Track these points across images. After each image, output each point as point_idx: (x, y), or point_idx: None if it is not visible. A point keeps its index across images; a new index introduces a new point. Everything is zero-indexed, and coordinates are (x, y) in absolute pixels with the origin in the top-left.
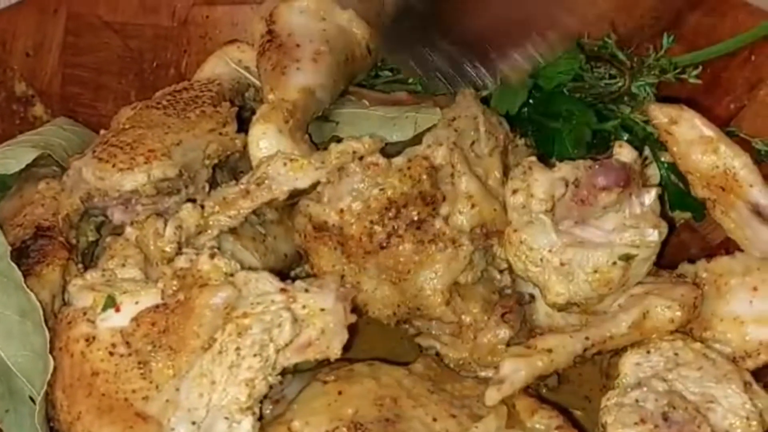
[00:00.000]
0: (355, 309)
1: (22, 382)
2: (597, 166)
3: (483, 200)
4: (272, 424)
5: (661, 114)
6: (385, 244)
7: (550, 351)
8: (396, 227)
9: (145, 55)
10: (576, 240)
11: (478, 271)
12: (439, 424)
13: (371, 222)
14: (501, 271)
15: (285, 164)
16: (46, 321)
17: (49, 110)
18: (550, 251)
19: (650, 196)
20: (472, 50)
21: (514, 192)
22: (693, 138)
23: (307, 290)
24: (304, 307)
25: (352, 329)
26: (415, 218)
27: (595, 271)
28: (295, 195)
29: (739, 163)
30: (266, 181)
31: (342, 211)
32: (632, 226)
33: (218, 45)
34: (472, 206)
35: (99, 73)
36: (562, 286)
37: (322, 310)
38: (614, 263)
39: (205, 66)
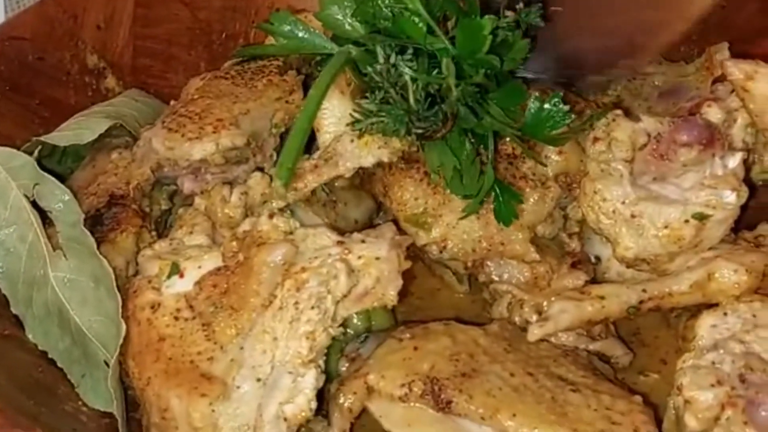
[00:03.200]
0: (410, 256)
1: (96, 346)
2: (681, 122)
3: (571, 150)
4: (348, 379)
5: (736, 69)
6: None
7: (602, 297)
8: (489, 158)
9: (214, 26)
10: (651, 195)
11: (555, 228)
12: (517, 379)
13: None
14: (570, 236)
15: (352, 141)
16: (119, 287)
17: (121, 82)
18: (623, 203)
19: (734, 160)
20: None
21: (595, 141)
22: None
23: (363, 241)
24: (359, 257)
25: (407, 275)
26: (509, 152)
27: (666, 227)
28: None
29: None
30: (334, 157)
31: None
32: (710, 186)
33: None
34: (560, 152)
35: (169, 45)
36: (632, 239)
37: (377, 258)
38: (687, 221)
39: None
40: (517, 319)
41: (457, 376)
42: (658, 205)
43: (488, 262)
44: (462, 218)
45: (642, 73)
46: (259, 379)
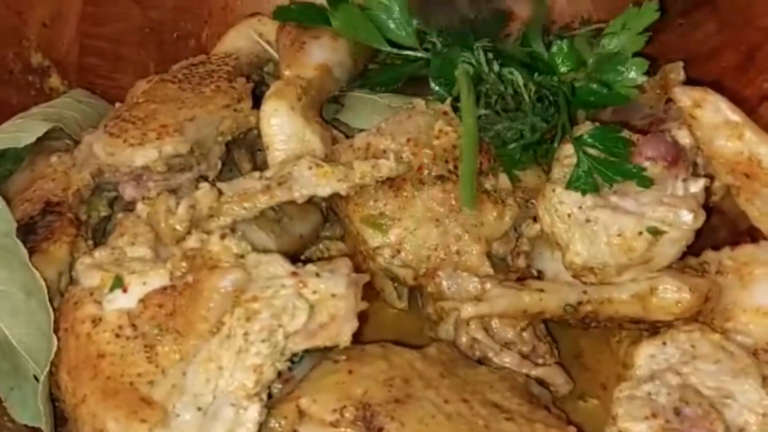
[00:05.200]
0: (365, 296)
1: (26, 360)
2: (649, 136)
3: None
4: (280, 401)
5: (684, 97)
6: (443, 178)
7: (542, 290)
8: (457, 166)
9: (166, 26)
10: (609, 203)
11: (508, 248)
12: (451, 406)
13: (434, 155)
14: (518, 254)
15: (310, 168)
16: (51, 299)
17: (66, 81)
18: (579, 207)
19: (697, 185)
20: None
21: (566, 142)
22: (717, 122)
23: (318, 274)
24: (314, 292)
25: (362, 316)
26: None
27: (619, 235)
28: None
29: (765, 150)
30: (289, 182)
31: (408, 140)
32: (669, 204)
33: (240, 17)
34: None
35: (118, 44)
36: (583, 246)
37: (333, 295)
38: (640, 233)
39: (225, 39)
40: (464, 337)
41: (390, 402)
42: (615, 214)
43: (440, 272)
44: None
45: None
46: (199, 408)
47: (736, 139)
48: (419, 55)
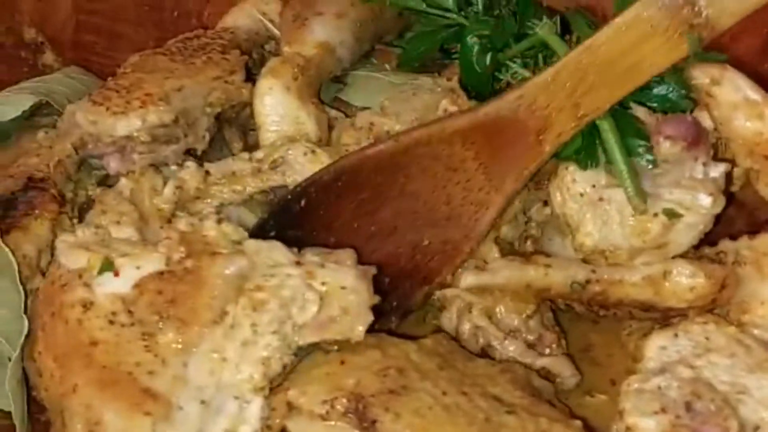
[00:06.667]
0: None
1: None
2: (670, 115)
3: None
4: (268, 395)
5: (702, 74)
6: None
7: (548, 266)
8: None
9: (166, 4)
10: None
11: (518, 231)
12: (449, 398)
13: None
14: (526, 239)
15: (305, 154)
16: (31, 277)
17: (61, 58)
18: (593, 186)
19: (717, 169)
20: None
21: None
22: (736, 101)
23: (323, 265)
24: (323, 283)
25: (375, 311)
26: None
27: (633, 216)
28: None
29: None
30: (282, 166)
31: (414, 120)
32: (687, 187)
33: None
34: None
35: (115, 21)
36: (595, 227)
37: (343, 288)
38: (656, 214)
39: (227, 17)
40: (467, 325)
41: (384, 393)
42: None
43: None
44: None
45: None
46: (203, 401)
47: (756, 119)
48: (458, 20)
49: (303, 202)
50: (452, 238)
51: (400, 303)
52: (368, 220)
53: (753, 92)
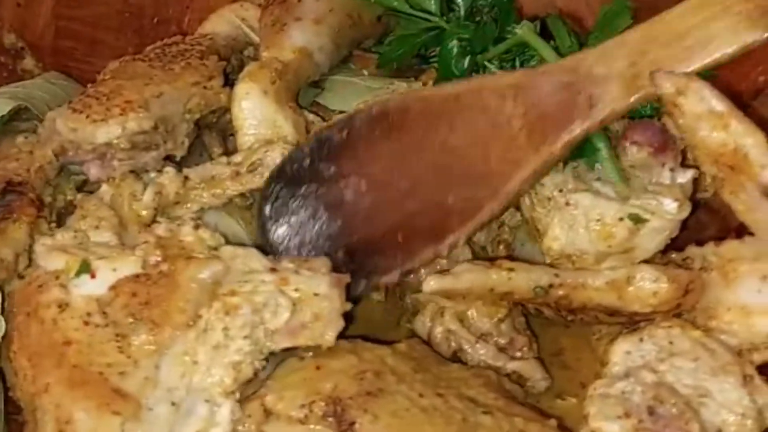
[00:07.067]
0: (350, 297)
1: None
2: (637, 121)
3: None
4: (243, 401)
5: (667, 83)
6: None
7: (511, 270)
8: None
9: (146, 11)
10: (591, 188)
11: (489, 236)
12: (426, 400)
13: None
14: (498, 243)
15: (283, 155)
16: (8, 281)
17: (41, 64)
18: (560, 191)
19: (685, 175)
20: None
21: None
22: (701, 112)
23: (297, 272)
24: (296, 290)
25: (346, 318)
26: None
27: (599, 220)
28: None
29: (752, 142)
30: (259, 169)
31: None
32: (653, 192)
33: (222, 3)
34: None
35: (95, 28)
36: (562, 230)
37: (316, 294)
38: (621, 219)
39: (206, 24)
40: (439, 329)
41: (362, 395)
42: (596, 199)
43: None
44: None
45: None
46: (173, 403)
47: (721, 129)
48: (439, 23)
49: (345, 133)
50: (477, 195)
51: (396, 264)
52: (403, 168)
53: (718, 103)
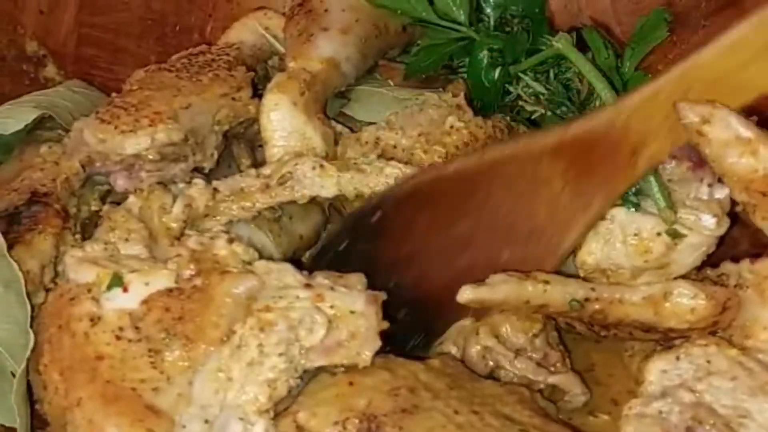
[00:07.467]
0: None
1: (4, 356)
2: None
3: None
4: (276, 417)
5: (691, 113)
6: None
7: (547, 282)
8: None
9: (168, 18)
10: (628, 202)
11: None
12: (461, 417)
13: (446, 152)
14: None
15: (314, 168)
16: (34, 293)
17: (63, 72)
18: None
19: (723, 191)
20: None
21: None
22: (728, 139)
23: (332, 288)
24: (331, 306)
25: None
26: None
27: (636, 235)
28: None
29: None
30: (290, 181)
31: (420, 135)
32: (691, 207)
33: (245, 11)
34: None
35: (117, 35)
36: (597, 244)
37: (352, 312)
38: (659, 234)
39: (229, 32)
40: (474, 347)
41: (397, 412)
42: (633, 213)
43: None
44: None
45: None
46: (207, 421)
47: (749, 155)
48: (468, 33)
49: (377, 216)
50: (533, 254)
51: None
52: (444, 233)
53: (745, 129)
